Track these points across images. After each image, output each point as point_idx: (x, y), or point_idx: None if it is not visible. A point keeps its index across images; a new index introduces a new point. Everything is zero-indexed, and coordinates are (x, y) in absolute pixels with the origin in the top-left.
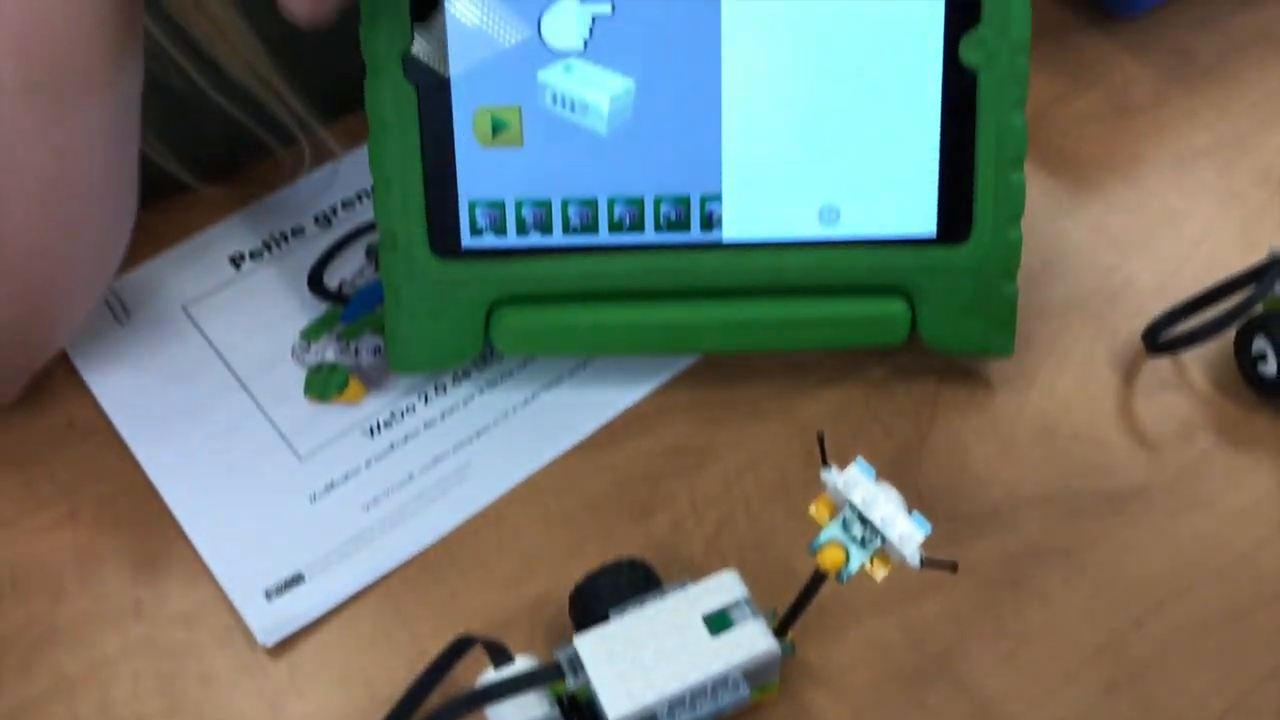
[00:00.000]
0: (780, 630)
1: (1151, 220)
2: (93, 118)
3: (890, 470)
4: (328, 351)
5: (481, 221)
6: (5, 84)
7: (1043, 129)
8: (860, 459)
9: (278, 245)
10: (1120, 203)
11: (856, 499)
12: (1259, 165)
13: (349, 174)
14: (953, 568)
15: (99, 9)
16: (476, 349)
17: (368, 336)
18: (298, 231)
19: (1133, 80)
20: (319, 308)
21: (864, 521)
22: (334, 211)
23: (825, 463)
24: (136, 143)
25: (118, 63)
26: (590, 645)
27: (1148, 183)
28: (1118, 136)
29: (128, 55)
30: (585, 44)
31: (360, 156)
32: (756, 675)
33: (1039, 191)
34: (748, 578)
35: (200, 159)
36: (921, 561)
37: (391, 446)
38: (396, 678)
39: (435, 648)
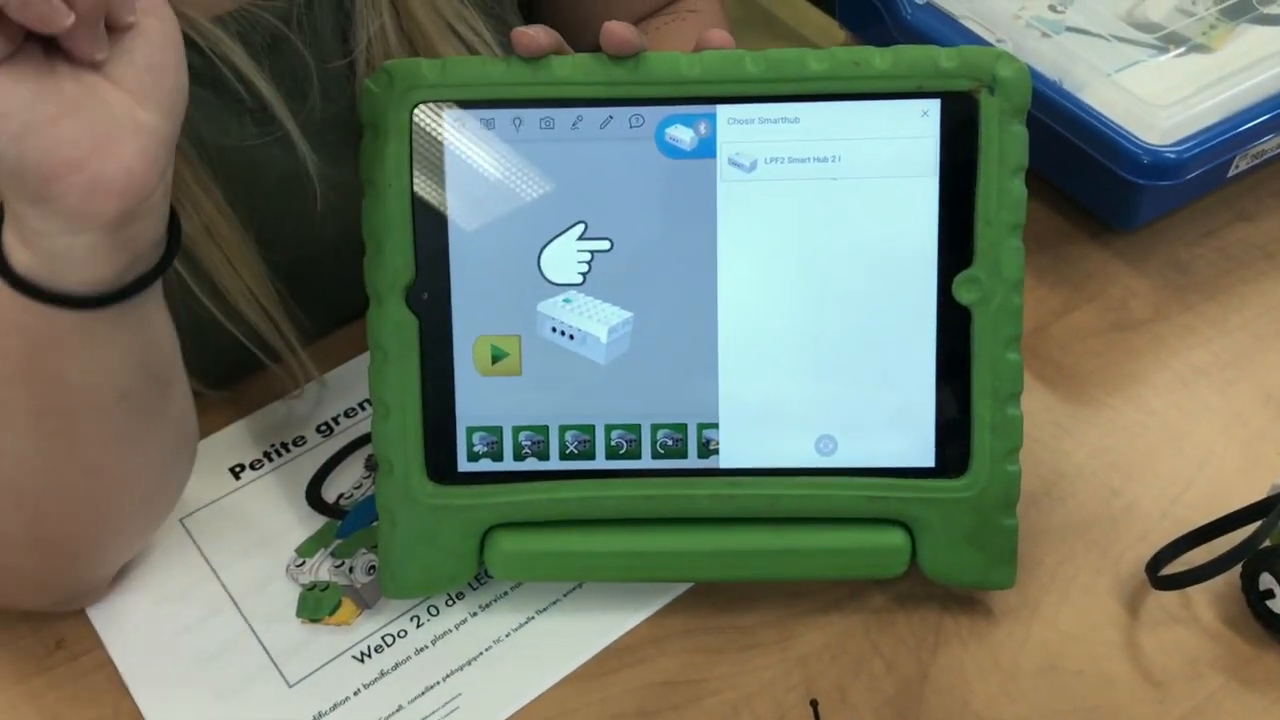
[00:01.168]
0: None
1: (1153, 441)
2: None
3: (892, 709)
4: (322, 569)
5: (479, 447)
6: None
7: (1043, 343)
8: None
9: (278, 454)
10: (1121, 422)
11: None
12: (1259, 385)
13: (354, 383)
14: None
15: None
16: (470, 573)
17: (362, 554)
18: (299, 441)
19: (1131, 294)
20: (316, 520)
21: None
22: (336, 421)
23: None
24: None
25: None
26: None
27: (1148, 402)
28: (1117, 352)
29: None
30: (584, 278)
31: (356, 367)
32: None
33: (1040, 408)
34: None
35: (200, 371)
36: None
37: (381, 673)
38: None
39: None
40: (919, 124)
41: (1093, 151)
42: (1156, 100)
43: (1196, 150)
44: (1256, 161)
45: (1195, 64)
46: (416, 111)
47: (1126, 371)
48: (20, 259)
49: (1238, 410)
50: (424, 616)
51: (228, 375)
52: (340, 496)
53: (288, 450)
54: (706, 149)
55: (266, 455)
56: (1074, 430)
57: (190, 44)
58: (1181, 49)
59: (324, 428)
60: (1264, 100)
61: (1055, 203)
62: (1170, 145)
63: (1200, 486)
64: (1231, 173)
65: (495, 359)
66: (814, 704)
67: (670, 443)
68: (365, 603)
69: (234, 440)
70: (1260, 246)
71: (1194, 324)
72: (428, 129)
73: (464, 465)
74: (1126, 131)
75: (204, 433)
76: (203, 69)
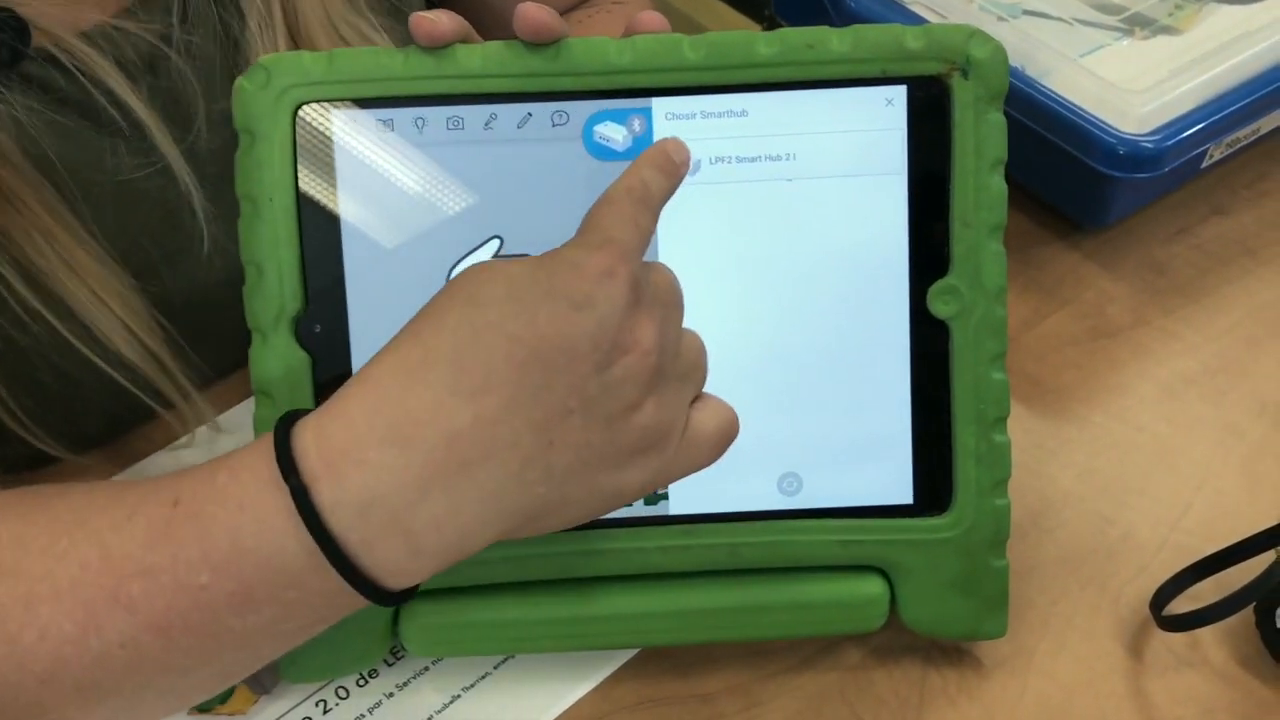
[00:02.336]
0: None
1: (1145, 460)
2: None
3: None
4: None
5: None
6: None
7: (1016, 355)
8: None
9: None
10: (1108, 440)
11: None
12: (1253, 394)
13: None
14: None
15: None
16: (383, 650)
17: None
18: None
19: (1107, 298)
20: None
21: None
22: None
23: None
24: None
25: None
26: None
27: (1136, 416)
28: (1097, 362)
29: None
30: None
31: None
32: None
33: (1019, 430)
34: None
35: (78, 428)
36: None
37: None
38: None
39: None
40: (883, 114)
41: (1061, 143)
42: (1130, 85)
43: (1175, 139)
44: (1230, 151)
45: (1165, 46)
46: (301, 113)
47: (1109, 384)
48: (372, 544)
49: (1232, 422)
50: (331, 700)
51: (107, 432)
52: None
53: None
54: (642, 149)
55: None
56: (1058, 452)
57: (55, 63)
58: (1148, 31)
59: None
60: (1244, 83)
61: (1017, 200)
62: (1147, 134)
63: (1199, 509)
64: (1206, 163)
65: None
66: None
67: None
68: (262, 687)
69: None
70: (1239, 242)
71: (1177, 329)
72: (314, 133)
73: None
74: (1099, 120)
75: None
76: (70, 92)
